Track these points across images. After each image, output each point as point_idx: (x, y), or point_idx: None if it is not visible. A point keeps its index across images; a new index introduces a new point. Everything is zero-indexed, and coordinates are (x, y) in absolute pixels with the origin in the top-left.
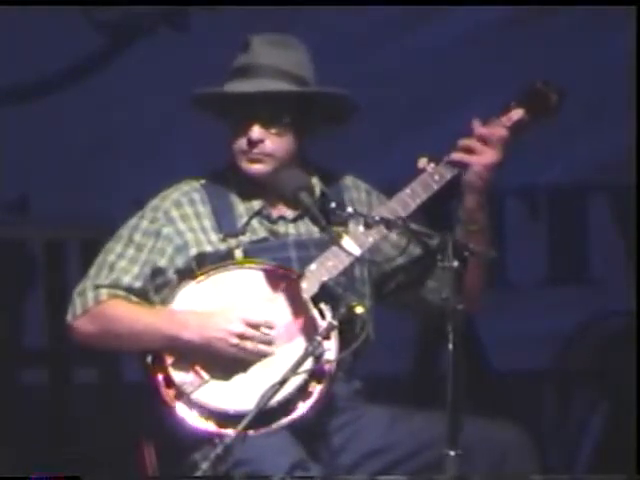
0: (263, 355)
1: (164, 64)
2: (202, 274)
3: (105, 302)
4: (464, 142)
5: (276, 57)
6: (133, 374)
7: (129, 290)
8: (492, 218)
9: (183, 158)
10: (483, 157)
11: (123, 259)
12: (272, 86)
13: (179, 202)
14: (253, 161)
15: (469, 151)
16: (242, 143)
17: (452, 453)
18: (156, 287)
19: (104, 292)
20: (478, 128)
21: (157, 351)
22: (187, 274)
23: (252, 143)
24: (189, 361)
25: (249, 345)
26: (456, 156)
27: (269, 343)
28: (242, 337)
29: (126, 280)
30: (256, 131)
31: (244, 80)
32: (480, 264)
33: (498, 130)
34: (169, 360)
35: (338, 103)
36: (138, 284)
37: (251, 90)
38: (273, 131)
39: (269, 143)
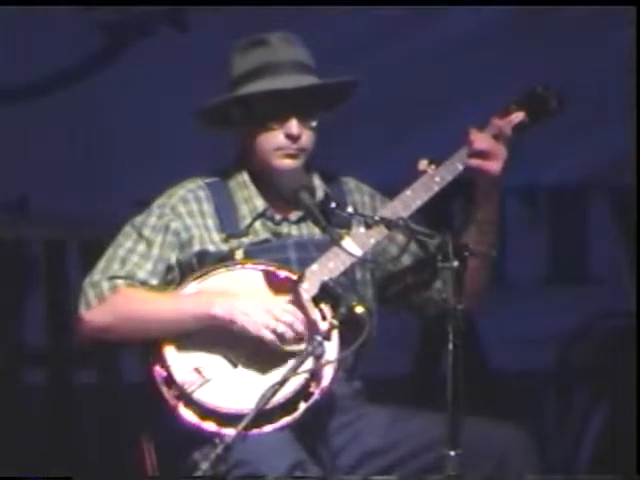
0: (286, 339)
1: (164, 64)
2: (204, 273)
3: (122, 291)
4: (477, 147)
5: (295, 53)
6: (133, 374)
7: (144, 285)
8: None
9: (183, 158)
10: (498, 162)
11: (134, 254)
12: (310, 81)
13: (185, 198)
14: (289, 157)
15: (484, 156)
16: (277, 140)
17: (452, 453)
18: (167, 283)
19: (120, 282)
20: (490, 132)
21: (158, 350)
22: (187, 270)
23: (292, 138)
24: (190, 360)
25: (272, 322)
26: (473, 162)
27: (292, 328)
28: (268, 312)
29: (141, 275)
30: (295, 126)
31: (276, 77)
32: (482, 264)
33: (504, 131)
34: (170, 359)
35: (346, 91)
36: (154, 281)
37: (302, 84)
38: (310, 125)
39: (304, 138)
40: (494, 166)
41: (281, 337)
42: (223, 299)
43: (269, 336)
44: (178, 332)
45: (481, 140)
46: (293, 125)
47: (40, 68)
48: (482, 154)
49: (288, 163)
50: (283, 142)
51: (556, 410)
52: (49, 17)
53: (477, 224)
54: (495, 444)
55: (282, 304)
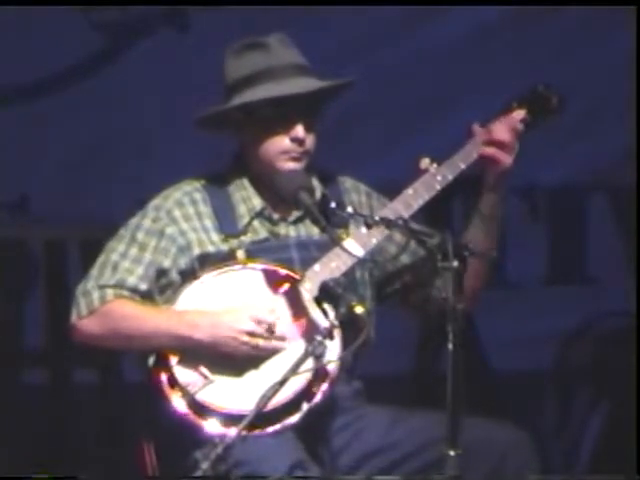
0: (275, 352)
1: (164, 64)
2: (205, 275)
3: (112, 302)
4: (496, 137)
5: (293, 55)
6: (133, 374)
7: (134, 291)
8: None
9: (183, 158)
10: (511, 156)
11: (126, 259)
12: (315, 84)
13: (181, 202)
14: (294, 160)
15: (501, 147)
16: (283, 144)
17: (452, 453)
18: (160, 288)
19: (110, 292)
20: (499, 128)
21: (161, 351)
22: (190, 274)
23: (298, 142)
24: (193, 361)
25: (260, 342)
26: (489, 151)
27: (281, 339)
28: (252, 335)
29: (131, 281)
30: (301, 130)
31: (278, 81)
32: (482, 264)
33: (518, 126)
34: (173, 360)
35: (342, 91)
36: (143, 286)
37: (309, 89)
38: (314, 127)
39: (308, 140)
40: (508, 158)
41: (266, 349)
42: (207, 323)
43: (253, 352)
44: (162, 350)
45: (501, 131)
46: (299, 129)
47: (40, 68)
48: (499, 144)
49: (293, 166)
50: (289, 146)
51: (556, 410)
52: (49, 17)
53: (481, 219)
54: (495, 444)
55: (261, 305)
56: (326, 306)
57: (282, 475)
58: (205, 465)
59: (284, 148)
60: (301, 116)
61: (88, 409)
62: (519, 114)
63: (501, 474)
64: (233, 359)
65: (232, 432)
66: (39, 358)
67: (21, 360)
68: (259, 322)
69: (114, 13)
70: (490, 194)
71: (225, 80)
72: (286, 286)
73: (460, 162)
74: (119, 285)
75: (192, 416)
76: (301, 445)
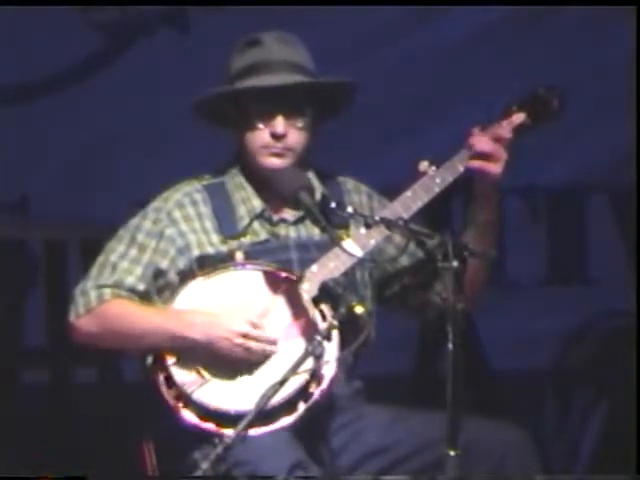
0: (267, 355)
1: (164, 64)
2: (203, 275)
3: (109, 302)
4: (478, 149)
5: (288, 53)
6: (133, 374)
7: (132, 291)
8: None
9: (183, 158)
10: (499, 164)
11: (125, 260)
12: (295, 79)
13: (181, 203)
14: (275, 155)
15: (485, 158)
16: (263, 138)
17: (452, 453)
18: (158, 288)
19: (107, 292)
20: (490, 134)
21: (158, 351)
22: (188, 275)
23: (276, 137)
24: (190, 361)
25: (253, 345)
26: (474, 164)
27: (273, 343)
28: (246, 337)
29: (129, 281)
30: (280, 125)
31: (264, 75)
32: (481, 264)
33: (505, 134)
34: (170, 360)
35: (344, 94)
36: (141, 286)
37: (285, 82)
38: (297, 125)
39: (291, 137)
40: (495, 168)
41: (258, 352)
42: (203, 322)
43: (245, 354)
44: (158, 349)
45: (482, 142)
46: (278, 123)
47: (40, 68)
48: (483, 156)
49: (274, 162)
50: (268, 140)
51: (556, 410)
52: (49, 17)
53: (477, 225)
54: (495, 444)
55: (256, 307)
56: (324, 307)
57: (282, 475)
58: (205, 465)
59: (264, 143)
60: (281, 111)
61: (88, 409)
62: (518, 117)
63: (501, 474)
64: (230, 359)
65: (230, 432)
66: (39, 358)
67: (21, 360)
68: (254, 325)
69: (114, 13)
70: (482, 201)
71: (225, 76)
72: (284, 287)
73: (458, 164)
74: (117, 285)
75: (189, 416)
76: (301, 445)
